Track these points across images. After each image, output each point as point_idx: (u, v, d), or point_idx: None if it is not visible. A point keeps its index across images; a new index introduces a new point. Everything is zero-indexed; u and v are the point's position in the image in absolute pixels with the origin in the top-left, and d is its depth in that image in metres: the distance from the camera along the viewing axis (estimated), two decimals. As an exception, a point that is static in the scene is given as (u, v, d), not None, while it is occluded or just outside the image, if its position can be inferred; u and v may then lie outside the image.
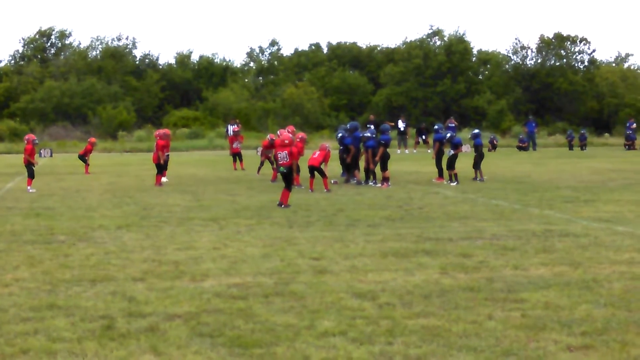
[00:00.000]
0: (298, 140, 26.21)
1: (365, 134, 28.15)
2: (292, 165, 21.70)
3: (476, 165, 29.13)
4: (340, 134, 29.48)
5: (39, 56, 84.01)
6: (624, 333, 8.70)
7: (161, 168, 27.86)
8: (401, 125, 53.24)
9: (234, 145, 37.24)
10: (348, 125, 30.16)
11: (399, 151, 50.62)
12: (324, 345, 8.32)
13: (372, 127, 44.32)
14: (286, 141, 21.68)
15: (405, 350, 8.14)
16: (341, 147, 28.70)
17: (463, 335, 8.64)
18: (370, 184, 27.42)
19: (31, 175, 26.01)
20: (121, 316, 9.48)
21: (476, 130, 31.72)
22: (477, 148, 29.51)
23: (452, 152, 28.36)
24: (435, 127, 30.70)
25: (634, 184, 27.13)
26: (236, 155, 36.80)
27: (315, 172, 25.76)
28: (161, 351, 8.15)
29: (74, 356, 8.01)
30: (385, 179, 26.77)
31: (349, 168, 28.60)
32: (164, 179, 28.59)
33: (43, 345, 8.34)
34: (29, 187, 25.63)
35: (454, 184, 27.47)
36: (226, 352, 8.11)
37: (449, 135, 29.50)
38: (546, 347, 8.21)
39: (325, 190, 24.94)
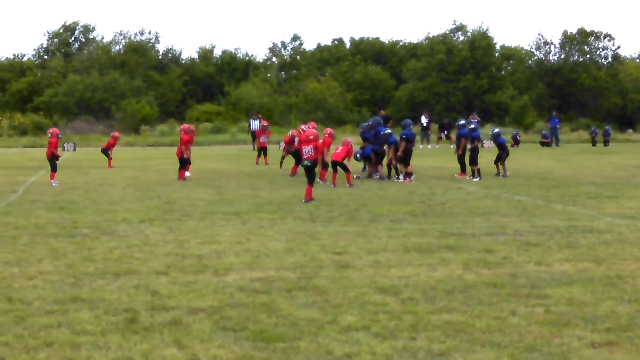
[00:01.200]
0: (327, 135, 26.24)
1: (386, 131, 28.07)
2: (316, 159, 21.71)
3: (500, 161, 29.04)
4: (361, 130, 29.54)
5: (63, 50, 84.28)
6: (648, 330, 8.67)
7: (184, 162, 27.88)
8: (424, 120, 53.15)
9: (261, 139, 37.22)
10: (370, 121, 30.19)
11: (421, 146, 50.51)
12: (347, 340, 8.33)
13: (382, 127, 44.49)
14: (311, 137, 21.71)
15: (428, 345, 8.14)
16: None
17: (486, 331, 8.62)
18: (393, 178, 27.39)
19: (54, 169, 26.11)
20: (144, 309, 9.51)
21: (496, 130, 31.57)
22: (502, 146, 29.40)
23: (470, 146, 28.28)
24: (459, 122, 30.60)
25: (658, 181, 27.00)
26: (262, 150, 36.80)
27: (338, 167, 25.74)
28: (184, 345, 8.17)
29: (97, 349, 8.04)
30: (408, 174, 26.75)
31: (371, 162, 28.58)
32: (187, 174, 28.65)
33: (67, 338, 8.37)
34: (52, 181, 25.72)
35: (477, 179, 27.41)
36: (249, 346, 8.12)
37: (472, 126, 29.37)
38: (570, 344, 8.19)
39: (348, 185, 24.94)
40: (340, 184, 25.10)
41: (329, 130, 27.39)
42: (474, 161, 27.95)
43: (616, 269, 11.90)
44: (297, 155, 27.76)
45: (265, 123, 39.76)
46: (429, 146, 51.94)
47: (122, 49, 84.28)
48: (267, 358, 7.77)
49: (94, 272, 11.66)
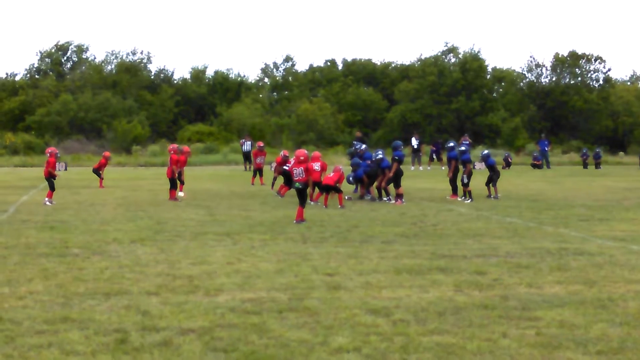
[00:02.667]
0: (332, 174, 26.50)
1: (377, 156, 28.08)
2: (307, 181, 21.74)
3: (491, 182, 29.07)
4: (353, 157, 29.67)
5: (55, 70, 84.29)
6: (639, 352, 8.66)
7: (174, 183, 27.84)
8: (414, 142, 53.27)
9: (257, 160, 37.27)
10: (357, 145, 30.54)
11: (412, 168, 50.58)
12: (338, 361, 8.31)
13: (359, 144, 44.78)
14: (301, 157, 21.73)
15: (419, 367, 8.13)
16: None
17: (477, 353, 8.62)
18: (384, 200, 27.41)
19: (52, 188, 26.08)
20: (135, 330, 9.49)
21: (485, 151, 31.70)
22: (492, 167, 29.44)
23: (463, 169, 28.31)
24: (450, 144, 30.66)
25: (649, 203, 27.05)
26: (257, 171, 36.84)
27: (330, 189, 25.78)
28: (175, 365, 8.15)
29: (87, 369, 8.02)
30: (399, 196, 26.77)
31: (363, 184, 28.60)
32: (180, 194, 28.64)
33: (57, 358, 8.35)
34: (47, 200, 25.65)
35: (468, 201, 27.43)
36: (240, 367, 8.11)
37: (462, 148, 29.38)
38: (561, 366, 8.19)
39: (340, 206, 24.95)
40: (332, 205, 25.10)
41: (339, 167, 27.51)
42: (466, 183, 27.98)
43: (607, 291, 11.90)
44: (288, 176, 27.77)
45: (261, 144, 39.81)
46: (420, 168, 51.96)
47: (114, 69, 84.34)
48: (257, 379, 7.76)
49: (84, 292, 11.63)
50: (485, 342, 9.02)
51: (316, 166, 25.68)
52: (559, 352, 8.69)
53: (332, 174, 26.33)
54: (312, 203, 25.42)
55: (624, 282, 12.71)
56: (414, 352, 8.65)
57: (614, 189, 34.06)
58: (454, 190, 28.81)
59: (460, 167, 28.50)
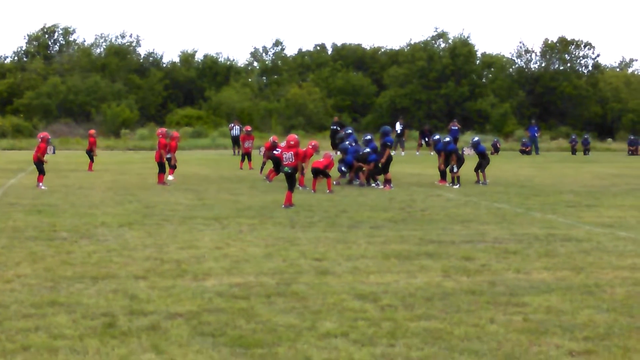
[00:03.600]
0: (310, 147, 26.43)
1: (365, 150, 28.05)
2: (296, 166, 21.72)
3: (480, 168, 29.10)
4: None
5: (42, 53, 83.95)
6: (626, 339, 8.70)
7: (163, 167, 27.77)
8: (398, 127, 53.24)
9: (246, 145, 37.28)
10: (349, 130, 30.64)
11: (394, 152, 50.53)
12: (325, 346, 8.32)
13: (337, 127, 44.81)
14: (292, 142, 21.69)
15: (407, 352, 8.14)
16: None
17: (465, 339, 8.63)
18: (372, 185, 27.40)
19: (42, 172, 25.95)
20: (123, 314, 9.48)
21: (476, 138, 31.80)
22: (482, 154, 29.46)
23: (452, 162, 28.30)
24: (435, 137, 30.72)
25: (637, 189, 27.12)
26: (246, 155, 36.85)
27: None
28: (162, 350, 8.14)
29: (75, 353, 8.01)
30: (388, 181, 26.77)
31: (352, 169, 28.58)
32: (170, 177, 28.62)
33: (44, 342, 8.33)
34: (40, 184, 25.54)
35: (457, 186, 27.46)
36: (228, 352, 8.11)
37: (447, 139, 29.37)
38: (548, 352, 8.21)
39: (328, 191, 24.94)
40: (321, 190, 25.10)
41: (313, 142, 27.50)
42: (453, 169, 28.01)
43: (594, 277, 11.93)
44: (277, 161, 27.74)
45: (249, 128, 39.79)
46: (403, 153, 51.86)
47: (102, 52, 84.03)
48: (245, 364, 7.77)
49: (72, 276, 11.61)
50: (472, 328, 9.04)
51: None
52: (546, 337, 8.71)
53: (322, 159, 26.31)
54: (300, 188, 25.40)
55: (611, 268, 12.75)
56: (402, 337, 8.66)
57: (602, 175, 34.14)
58: (443, 176, 28.83)
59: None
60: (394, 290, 10.91)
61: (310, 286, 11.09)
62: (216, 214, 19.10)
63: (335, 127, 47.65)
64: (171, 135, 29.72)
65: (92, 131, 37.22)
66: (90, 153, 35.05)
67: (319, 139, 48.66)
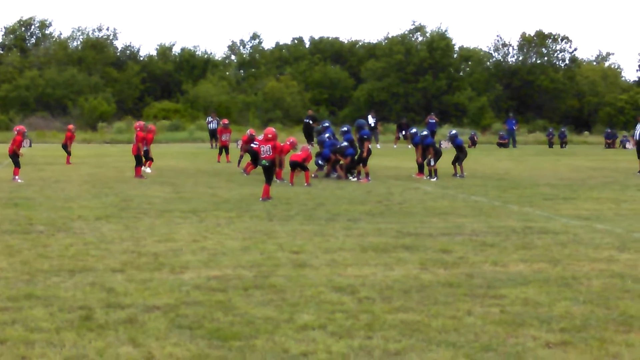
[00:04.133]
0: (288, 143, 26.44)
1: (343, 143, 28.08)
2: (274, 159, 21.70)
3: (457, 161, 29.16)
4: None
5: (19, 46, 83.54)
6: (602, 330, 8.73)
7: (140, 160, 27.71)
8: (371, 120, 53.23)
9: (223, 138, 37.25)
10: (325, 123, 30.70)
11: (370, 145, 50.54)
12: (303, 338, 8.32)
13: (310, 121, 44.75)
14: (270, 135, 21.66)
15: (384, 344, 8.14)
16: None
17: (442, 331, 8.64)
18: (350, 178, 27.40)
19: (17, 165, 25.81)
20: (100, 307, 9.45)
21: (453, 131, 32.00)
22: (460, 147, 29.55)
23: (429, 155, 28.35)
24: (412, 131, 30.80)
25: (613, 182, 27.23)
26: (223, 148, 36.81)
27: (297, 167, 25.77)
28: (140, 343, 8.12)
29: (51, 346, 7.97)
30: (366, 174, 26.80)
31: (329, 162, 28.57)
32: (147, 170, 28.55)
33: (21, 335, 8.29)
34: (16, 177, 25.40)
35: (434, 179, 27.51)
36: (205, 344, 8.09)
37: (424, 133, 29.46)
38: (525, 344, 8.23)
39: (306, 184, 24.93)
40: (298, 183, 25.09)
41: (291, 139, 27.51)
42: (431, 161, 28.08)
43: (571, 269, 11.97)
44: (254, 154, 27.70)
45: (226, 121, 39.79)
46: (378, 145, 51.85)
47: (79, 45, 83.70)
48: (222, 356, 7.75)
49: (48, 269, 11.56)
50: (450, 320, 9.06)
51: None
52: (523, 329, 8.73)
53: (300, 152, 26.31)
54: (278, 181, 25.40)
55: (588, 260, 12.79)
56: (379, 329, 8.66)
57: (579, 168, 34.28)
58: (420, 169, 28.87)
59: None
60: (371, 282, 10.92)
61: (288, 279, 11.08)
62: (194, 207, 19.07)
63: (308, 120, 47.56)
64: (148, 128, 29.65)
65: (71, 127, 37.14)
66: (65, 147, 34.94)
67: (296, 132, 48.78)
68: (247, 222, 16.72)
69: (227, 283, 10.77)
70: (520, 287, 10.72)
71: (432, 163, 28.04)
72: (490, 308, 9.61)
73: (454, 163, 29.41)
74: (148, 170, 28.58)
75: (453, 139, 30.45)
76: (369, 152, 27.17)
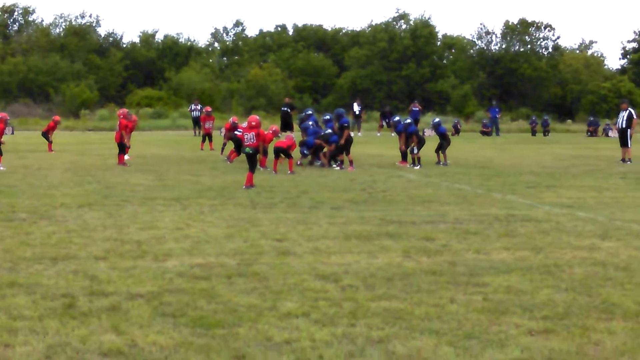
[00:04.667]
0: (270, 132, 26.39)
1: (327, 131, 28.11)
2: (258, 147, 21.69)
3: (441, 149, 29.21)
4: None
5: (1, 32, 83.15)
6: (584, 318, 8.77)
7: (123, 147, 27.63)
8: (356, 108, 53.22)
9: (206, 125, 37.22)
10: (308, 111, 30.68)
11: (352, 134, 50.54)
12: (286, 326, 8.33)
13: (288, 109, 44.68)
14: (253, 123, 21.65)
15: (367, 332, 8.16)
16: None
17: (425, 318, 8.67)
18: (333, 166, 27.40)
19: (0, 153, 25.68)
20: (83, 295, 9.44)
21: (436, 119, 32.04)
22: (443, 135, 29.61)
23: (412, 143, 28.40)
24: (395, 119, 30.84)
25: (596, 170, 27.32)
26: (206, 136, 36.78)
27: (280, 154, 25.75)
28: (123, 330, 8.11)
29: (34, 334, 7.96)
30: (350, 162, 26.82)
31: (316, 151, 28.58)
32: (126, 157, 28.49)
33: (3, 323, 8.28)
34: (-1, 165, 25.34)
35: (417, 167, 27.55)
36: (188, 332, 8.09)
37: (408, 121, 29.51)
38: (507, 331, 8.26)
39: (290, 172, 24.92)
40: (282, 171, 25.09)
41: (274, 127, 27.47)
42: (414, 149, 28.14)
43: (554, 257, 12.02)
44: (238, 142, 27.67)
45: (209, 109, 39.79)
46: (359, 134, 51.82)
47: (62, 32, 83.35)
48: (206, 344, 7.75)
49: (31, 257, 11.54)
50: (433, 308, 9.08)
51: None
52: (506, 317, 8.77)
53: (284, 140, 26.30)
54: (261, 169, 25.39)
55: (570, 248, 12.84)
56: (363, 317, 8.68)
57: (561, 157, 34.36)
58: (403, 157, 28.91)
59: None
60: (354, 270, 10.94)
61: (271, 267, 11.09)
62: (177, 195, 19.05)
63: (286, 108, 47.37)
64: (131, 117, 29.56)
65: (57, 118, 37.08)
66: (46, 135, 34.82)
67: (279, 120, 48.55)
68: (230, 210, 16.72)
69: (211, 271, 10.77)
70: (503, 275, 10.76)
71: (416, 151, 28.08)
72: (473, 296, 9.64)
73: (437, 151, 29.44)
74: (127, 157, 28.41)
75: (436, 127, 30.49)
76: (350, 140, 27.22)
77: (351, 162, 26.83)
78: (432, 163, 28.96)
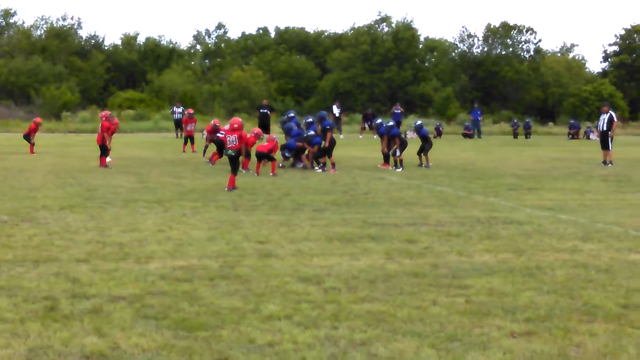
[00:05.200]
0: (253, 135, 26.36)
1: (309, 133, 28.09)
2: (240, 149, 21.67)
3: (423, 152, 29.27)
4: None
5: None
6: (566, 320, 8.78)
7: (105, 149, 27.55)
8: (336, 110, 53.28)
9: (188, 128, 37.19)
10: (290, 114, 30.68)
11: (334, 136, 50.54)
12: (269, 328, 8.32)
13: (267, 111, 44.74)
14: (235, 125, 21.63)
15: (350, 334, 8.16)
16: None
17: (408, 321, 8.67)
18: (316, 168, 27.41)
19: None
20: (65, 297, 9.40)
21: (419, 122, 32.14)
22: (425, 138, 29.67)
23: (394, 145, 28.43)
24: (377, 121, 30.91)
25: (577, 173, 27.42)
26: (188, 138, 36.75)
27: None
28: (105, 333, 8.09)
29: (16, 337, 7.92)
30: (332, 165, 26.84)
31: (297, 153, 28.58)
32: (108, 159, 28.41)
33: (-15, 326, 8.25)
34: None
35: (399, 169, 27.58)
36: (171, 335, 8.08)
37: (390, 123, 29.55)
38: (490, 333, 8.27)
39: (272, 174, 24.91)
40: (264, 173, 25.08)
41: (256, 130, 27.44)
42: (396, 152, 28.17)
43: (536, 260, 12.04)
44: (220, 144, 27.65)
45: (191, 111, 39.79)
46: (341, 136, 51.85)
47: (43, 34, 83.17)
48: (188, 347, 7.74)
49: (12, 259, 11.49)
50: (415, 310, 9.08)
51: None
52: (488, 319, 8.78)
53: (266, 143, 26.30)
54: (244, 171, 25.36)
55: (552, 250, 12.87)
56: (345, 319, 8.68)
57: (543, 159, 34.49)
58: (386, 159, 28.94)
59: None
60: (337, 272, 10.94)
61: (254, 269, 11.08)
62: (159, 197, 19.01)
63: (265, 110, 47.35)
64: (112, 120, 29.48)
65: (39, 120, 37.03)
66: (27, 137, 34.74)
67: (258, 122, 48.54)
68: (212, 212, 16.70)
69: (193, 273, 10.75)
70: (485, 277, 10.77)
71: (398, 153, 28.12)
72: (455, 298, 9.65)
73: (419, 153, 29.50)
74: (109, 159, 28.31)
75: (418, 130, 30.55)
76: (333, 142, 27.28)
77: (333, 165, 26.84)
78: (414, 165, 28.99)
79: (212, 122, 31.94)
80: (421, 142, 29.71)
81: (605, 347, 7.89)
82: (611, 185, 23.71)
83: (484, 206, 18.31)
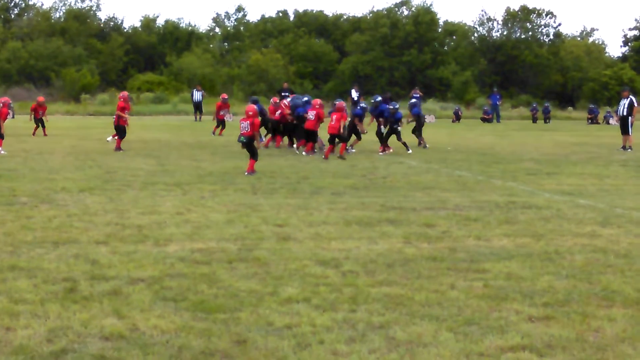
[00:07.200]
0: (317, 106, 26.91)
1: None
2: (252, 135, 21.63)
3: (416, 132, 29.61)
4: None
5: (2, 16, 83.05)
6: (584, 305, 8.77)
7: (121, 131, 27.38)
8: (354, 94, 53.06)
9: (221, 112, 37.28)
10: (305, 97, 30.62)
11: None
12: (287, 311, 8.33)
13: (288, 94, 44.69)
14: (250, 112, 21.59)
15: (368, 317, 8.16)
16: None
17: (426, 304, 8.67)
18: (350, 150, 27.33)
19: (1, 136, 25.68)
20: (84, 279, 9.44)
21: (412, 100, 32.45)
22: (417, 117, 30.16)
23: (396, 126, 28.47)
24: (375, 98, 30.95)
25: (596, 158, 27.33)
26: (221, 122, 36.90)
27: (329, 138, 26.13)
28: (124, 314, 8.12)
29: (36, 318, 7.97)
30: (350, 146, 27.01)
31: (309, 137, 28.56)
32: (108, 139, 28.38)
33: (5, 307, 8.29)
34: (0, 149, 25.28)
35: (409, 151, 27.74)
36: (189, 317, 8.10)
37: (391, 107, 29.44)
38: (508, 317, 8.26)
39: (339, 155, 25.21)
40: (279, 155, 25.06)
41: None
42: (399, 137, 28.29)
43: (554, 244, 12.02)
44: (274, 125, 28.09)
45: (225, 96, 39.84)
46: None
47: (62, 16, 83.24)
48: (207, 329, 7.76)
49: (32, 241, 11.55)
50: (433, 294, 9.08)
51: (310, 115, 26.69)
52: (506, 303, 8.77)
53: (334, 118, 26.05)
54: (304, 154, 26.08)
55: (570, 235, 12.84)
56: (363, 302, 8.68)
57: (562, 144, 34.37)
58: (386, 142, 28.72)
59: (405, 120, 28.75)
60: (355, 256, 10.94)
61: (272, 252, 11.10)
62: (177, 180, 19.05)
63: (286, 93, 47.26)
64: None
65: (41, 99, 36.79)
66: (40, 120, 34.56)
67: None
68: (231, 195, 16.72)
69: (211, 256, 10.78)
70: (503, 261, 10.76)
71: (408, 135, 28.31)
72: (473, 282, 9.65)
73: (414, 132, 29.82)
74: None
75: (411, 108, 30.88)
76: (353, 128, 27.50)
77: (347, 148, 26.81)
78: (430, 149, 28.98)
79: (220, 97, 32.06)
80: (415, 123, 30.21)
81: (623, 332, 7.88)
82: (630, 170, 23.63)
83: (503, 190, 18.27)
